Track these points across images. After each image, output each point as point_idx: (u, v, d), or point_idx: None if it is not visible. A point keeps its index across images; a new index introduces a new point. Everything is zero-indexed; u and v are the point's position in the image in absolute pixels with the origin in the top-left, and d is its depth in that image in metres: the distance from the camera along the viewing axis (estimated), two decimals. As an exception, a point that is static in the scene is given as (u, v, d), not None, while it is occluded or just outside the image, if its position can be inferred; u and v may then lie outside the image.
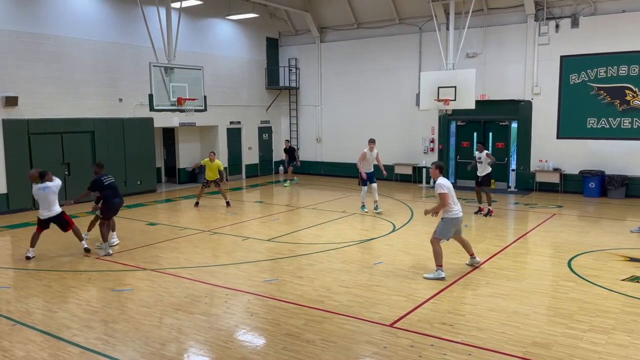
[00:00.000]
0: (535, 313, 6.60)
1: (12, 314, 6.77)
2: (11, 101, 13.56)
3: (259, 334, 6.17)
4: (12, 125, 13.71)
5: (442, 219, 8.23)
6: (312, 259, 9.21)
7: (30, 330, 6.27)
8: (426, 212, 8.43)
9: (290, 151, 19.80)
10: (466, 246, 8.59)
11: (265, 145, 22.34)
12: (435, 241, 8.13)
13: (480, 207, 13.42)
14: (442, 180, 8.17)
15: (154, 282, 8.04)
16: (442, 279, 7.88)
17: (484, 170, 13.14)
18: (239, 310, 6.88)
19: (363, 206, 13.65)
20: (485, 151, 13.30)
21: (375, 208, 13.32)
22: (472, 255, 8.63)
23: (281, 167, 22.91)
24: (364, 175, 13.26)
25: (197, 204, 14.92)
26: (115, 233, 10.48)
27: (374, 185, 13.38)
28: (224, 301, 7.19)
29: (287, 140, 21.07)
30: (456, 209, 8.20)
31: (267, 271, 8.62)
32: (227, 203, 14.82)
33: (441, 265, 8.02)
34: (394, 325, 6.24)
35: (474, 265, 8.61)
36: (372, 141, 13.50)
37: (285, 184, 18.91)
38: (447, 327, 6.16)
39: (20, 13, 13.88)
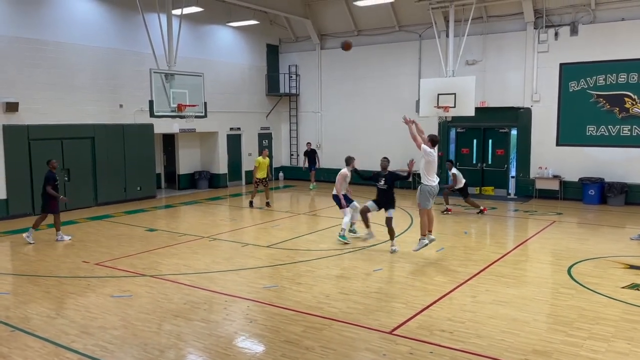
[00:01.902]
0: (535, 320, 6.58)
1: (10, 320, 6.75)
2: (12, 107, 13.59)
3: (258, 341, 6.15)
4: (13, 131, 13.73)
5: (419, 186, 9.28)
6: (312, 266, 9.20)
7: (28, 336, 6.26)
8: (405, 119, 9.45)
9: (311, 154, 19.75)
10: (430, 222, 9.43)
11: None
12: (422, 212, 9.28)
13: (447, 208, 14.24)
14: (432, 150, 9.16)
15: (153, 288, 8.03)
16: (425, 245, 9.26)
17: (459, 183, 13.92)
18: (238, 316, 6.87)
19: (352, 227, 11.30)
20: (454, 170, 13.99)
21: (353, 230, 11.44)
22: (429, 231, 9.43)
23: (281, 174, 22.96)
24: (343, 202, 10.81)
25: (251, 203, 15.54)
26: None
27: (356, 203, 11.27)
28: (223, 308, 7.18)
29: (308, 142, 20.95)
30: (434, 179, 9.24)
31: (266, 277, 8.61)
32: (267, 203, 15.40)
33: (425, 235, 9.25)
34: (393, 332, 6.23)
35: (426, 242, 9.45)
36: (352, 160, 11.07)
37: (310, 187, 19.51)
38: (447, 335, 6.14)
39: (21, 19, 13.93)
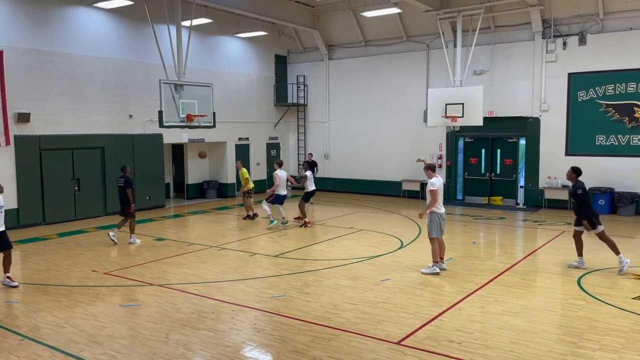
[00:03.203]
0: (544, 331, 6.53)
1: (20, 329, 6.80)
2: (23, 117, 13.75)
3: (266, 351, 6.15)
4: (24, 141, 13.88)
5: (429, 214, 9.14)
6: (319, 275, 9.19)
7: (38, 345, 6.29)
8: (420, 216, 9.41)
9: (310, 165, 19.65)
10: (442, 249, 9.33)
11: (273, 162, 22.31)
12: (432, 240, 9.15)
13: (306, 221, 14.14)
14: (434, 179, 9.17)
15: (161, 297, 8.06)
16: (437, 273, 9.00)
17: (309, 186, 14.55)
18: (245, 326, 6.87)
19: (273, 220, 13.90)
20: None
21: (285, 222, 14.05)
22: (441, 259, 9.28)
23: (288, 183, 22.90)
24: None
25: (255, 214, 15.53)
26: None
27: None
28: (230, 317, 7.19)
29: (310, 153, 20.90)
30: (441, 206, 9.19)
31: (274, 287, 8.61)
32: (252, 215, 15.32)
33: (437, 262, 9.11)
34: (402, 343, 6.21)
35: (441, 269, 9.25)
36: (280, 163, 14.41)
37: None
38: (455, 345, 6.11)
39: (33, 31, 14.13)
